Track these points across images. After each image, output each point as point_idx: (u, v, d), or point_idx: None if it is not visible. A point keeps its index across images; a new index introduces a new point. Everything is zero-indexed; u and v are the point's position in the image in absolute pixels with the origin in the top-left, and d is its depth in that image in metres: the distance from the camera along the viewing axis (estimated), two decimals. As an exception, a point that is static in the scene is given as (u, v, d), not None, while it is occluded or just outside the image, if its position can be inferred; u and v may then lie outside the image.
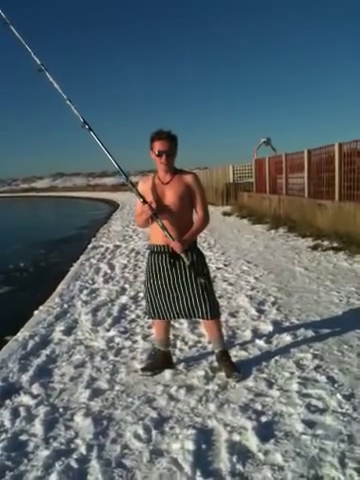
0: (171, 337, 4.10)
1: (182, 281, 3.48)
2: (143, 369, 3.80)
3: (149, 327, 4.82)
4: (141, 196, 3.38)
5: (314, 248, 9.24)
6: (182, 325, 4.82)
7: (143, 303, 5.70)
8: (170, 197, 3.42)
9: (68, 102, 3.50)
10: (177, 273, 3.48)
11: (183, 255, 3.37)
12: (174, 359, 3.96)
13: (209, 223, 3.59)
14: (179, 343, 4.36)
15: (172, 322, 4.12)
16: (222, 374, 3.63)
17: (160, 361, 3.82)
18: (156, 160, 3.42)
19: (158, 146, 3.36)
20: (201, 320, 3.78)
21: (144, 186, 3.49)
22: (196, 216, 3.53)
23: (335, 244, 9.11)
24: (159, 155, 3.37)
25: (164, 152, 3.36)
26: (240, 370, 3.60)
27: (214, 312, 3.56)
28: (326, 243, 9.39)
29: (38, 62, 3.56)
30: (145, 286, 3.67)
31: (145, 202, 3.35)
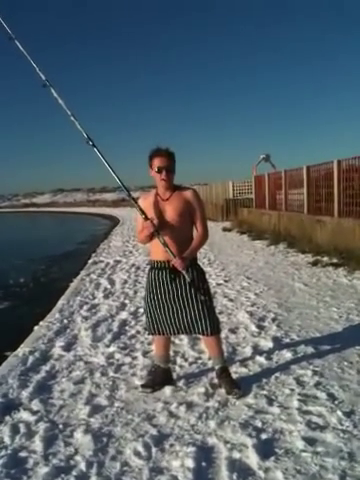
0: (171, 353, 4.09)
1: (182, 297, 3.49)
2: (143, 386, 3.80)
3: (149, 343, 4.82)
4: (143, 212, 3.41)
5: (314, 264, 9.26)
6: (182, 341, 4.82)
7: (143, 319, 5.70)
8: (170, 213, 3.45)
9: (72, 118, 3.52)
10: (177, 289, 3.49)
11: (184, 272, 3.39)
12: (174, 375, 3.96)
13: (208, 239, 3.62)
14: (179, 359, 4.36)
15: (172, 338, 4.13)
16: (222, 391, 3.62)
17: (160, 378, 3.81)
18: (156, 177, 3.46)
19: (158, 163, 3.41)
20: (201, 336, 3.79)
21: (145, 203, 3.52)
22: (195, 232, 3.57)
23: (334, 260, 9.14)
24: (159, 171, 3.41)
25: (164, 168, 3.40)
26: (240, 387, 3.60)
27: (214, 328, 3.56)
28: (325, 259, 9.41)
29: (43, 78, 3.58)
30: (145, 302, 3.68)
31: (147, 218, 3.38)
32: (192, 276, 3.45)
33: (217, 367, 3.71)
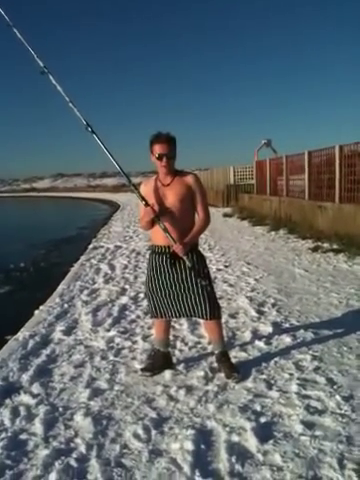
0: (171, 338, 4.10)
1: (182, 281, 3.49)
2: (143, 369, 3.81)
3: (149, 328, 4.83)
4: (143, 199, 3.40)
5: (314, 250, 9.25)
6: (182, 326, 4.83)
7: (143, 304, 5.72)
8: (171, 199, 3.43)
9: (71, 105, 3.50)
10: (177, 273, 3.50)
11: (185, 258, 3.39)
12: (174, 360, 3.97)
13: (210, 224, 3.60)
14: (179, 344, 4.37)
15: (172, 323, 4.13)
16: (221, 375, 3.64)
17: (160, 361, 3.83)
18: (156, 163, 3.43)
19: (158, 149, 3.37)
20: (201, 320, 3.79)
21: (146, 188, 3.52)
22: (197, 217, 3.55)
23: (335, 246, 9.12)
24: (159, 158, 3.38)
25: (164, 155, 3.37)
26: (239, 371, 3.61)
27: (215, 313, 3.57)
28: (326, 245, 9.40)
29: (41, 64, 3.56)
30: (146, 286, 3.71)
31: (147, 205, 3.37)
32: (193, 261, 3.45)
33: (217, 351, 3.73)
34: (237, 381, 3.53)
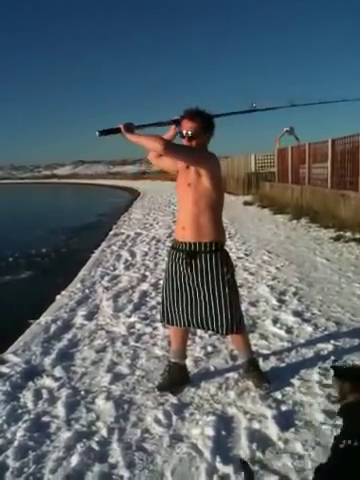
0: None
1: (199, 285, 3.01)
2: (159, 388, 3.30)
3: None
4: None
5: (336, 239, 9.13)
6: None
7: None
8: (191, 182, 3.00)
9: None
10: (194, 275, 3.01)
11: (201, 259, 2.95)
12: (195, 346, 3.96)
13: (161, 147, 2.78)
14: (199, 331, 4.35)
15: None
16: (242, 361, 3.61)
17: (177, 377, 3.33)
18: (181, 141, 3.01)
19: (184, 126, 2.96)
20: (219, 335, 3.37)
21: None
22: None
23: (358, 235, 8.97)
24: (182, 137, 2.97)
25: (186, 134, 2.94)
26: (270, 381, 3.25)
27: (235, 326, 3.08)
28: (349, 234, 9.26)
29: None
30: (162, 286, 3.35)
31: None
32: (214, 265, 2.98)
33: (244, 360, 3.35)
34: (268, 392, 3.16)
